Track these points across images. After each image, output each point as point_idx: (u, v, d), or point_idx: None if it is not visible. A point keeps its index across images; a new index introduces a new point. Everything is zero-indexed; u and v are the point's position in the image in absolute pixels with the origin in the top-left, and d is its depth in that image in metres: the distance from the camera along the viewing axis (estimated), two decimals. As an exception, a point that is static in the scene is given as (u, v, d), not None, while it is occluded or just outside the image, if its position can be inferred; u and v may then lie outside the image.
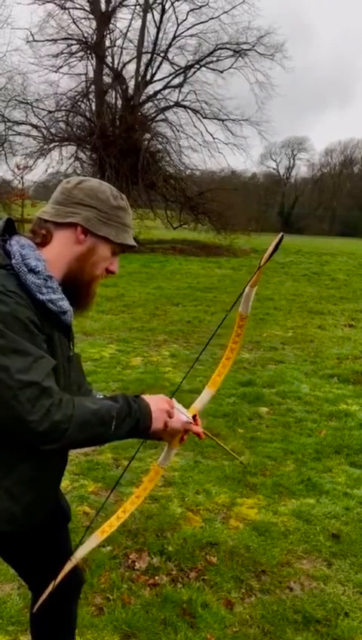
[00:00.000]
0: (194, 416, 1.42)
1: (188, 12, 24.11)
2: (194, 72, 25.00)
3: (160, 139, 24.36)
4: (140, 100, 24.04)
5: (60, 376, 1.24)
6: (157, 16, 23.74)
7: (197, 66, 24.89)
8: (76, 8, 23.35)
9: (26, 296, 1.15)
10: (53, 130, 22.90)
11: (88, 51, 23.64)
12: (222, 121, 25.03)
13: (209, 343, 1.57)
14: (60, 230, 1.26)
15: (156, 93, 24.93)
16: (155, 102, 25.10)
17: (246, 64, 25.01)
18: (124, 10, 29.57)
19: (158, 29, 23.77)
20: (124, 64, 24.24)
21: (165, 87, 24.85)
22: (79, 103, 23.68)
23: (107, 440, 1.24)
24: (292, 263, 17.34)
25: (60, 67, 23.42)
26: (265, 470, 3.48)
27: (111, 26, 23.77)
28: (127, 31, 24.13)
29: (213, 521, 2.86)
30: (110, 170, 21.30)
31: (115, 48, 23.98)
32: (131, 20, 27.24)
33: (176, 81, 24.85)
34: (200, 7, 23.80)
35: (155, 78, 24.69)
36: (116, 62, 23.95)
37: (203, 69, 25.06)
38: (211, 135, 25.20)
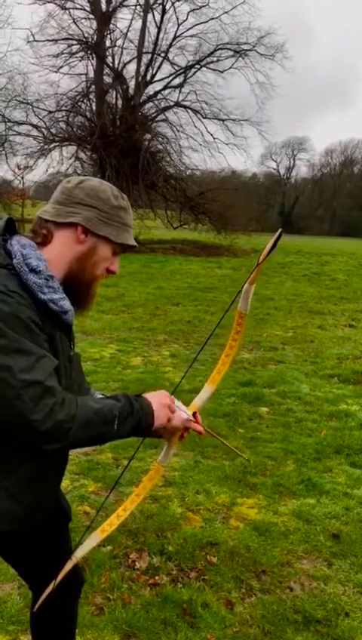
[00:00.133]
0: (194, 414, 1.42)
1: (188, 12, 24.16)
2: (195, 73, 25.05)
3: (160, 139, 24.40)
4: (141, 100, 24.06)
5: (62, 375, 1.24)
6: (157, 17, 23.80)
7: (198, 67, 24.93)
8: (77, 8, 23.39)
9: (27, 296, 1.15)
10: (53, 130, 22.93)
11: (89, 51, 23.65)
12: (223, 121, 25.07)
13: (209, 343, 1.57)
14: (61, 230, 1.26)
15: (156, 93, 24.96)
16: (156, 102, 25.15)
17: (246, 64, 25.06)
18: (125, 10, 29.57)
19: (159, 29, 23.81)
20: (125, 64, 24.30)
21: (165, 88, 24.89)
22: (79, 103, 23.72)
23: (109, 439, 1.24)
24: (292, 263, 17.34)
25: (61, 67, 23.48)
26: (265, 470, 3.48)
27: (111, 26, 23.81)
28: (128, 31, 24.18)
29: (214, 521, 2.86)
30: (110, 170, 21.31)
31: (116, 48, 24.04)
32: (132, 20, 27.29)
33: (177, 81, 24.90)
34: (201, 7, 23.84)
35: (156, 78, 24.75)
36: (116, 62, 24.01)
37: (203, 69, 25.11)
38: (211, 135, 25.24)
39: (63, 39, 23.21)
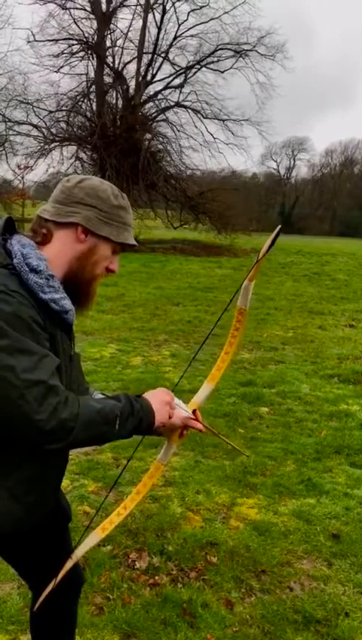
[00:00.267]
0: (194, 411, 1.42)
1: (188, 12, 24.16)
2: (195, 73, 25.05)
3: (160, 139, 24.41)
4: (141, 100, 24.05)
5: (62, 374, 1.24)
6: (158, 17, 23.79)
7: (198, 67, 24.94)
8: (77, 8, 23.41)
9: (28, 296, 1.15)
10: (53, 130, 22.94)
11: (89, 51, 23.67)
12: (223, 121, 25.08)
13: (209, 343, 1.57)
14: (61, 229, 1.25)
15: (157, 93, 24.97)
16: (156, 102, 25.16)
17: (246, 64, 25.06)
18: (125, 10, 29.57)
19: (159, 29, 23.80)
20: (125, 64, 24.31)
21: (166, 88, 24.89)
22: (80, 103, 23.73)
23: (109, 439, 1.24)
24: (292, 263, 17.34)
25: (61, 67, 23.51)
26: (265, 470, 3.48)
27: (112, 26, 23.83)
28: (128, 31, 24.21)
29: (213, 521, 2.86)
30: (111, 170, 21.31)
31: (116, 48, 24.06)
32: (132, 20, 27.38)
33: (177, 81, 24.91)
34: (201, 7, 23.83)
35: (156, 79, 24.76)
36: (117, 62, 24.02)
37: (203, 69, 25.11)
38: (212, 135, 25.25)
39: (64, 39, 23.26)
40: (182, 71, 24.73)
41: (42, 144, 22.54)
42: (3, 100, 22.28)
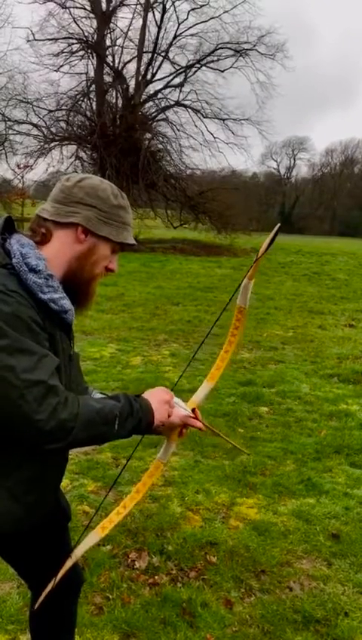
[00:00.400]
0: (193, 410, 1.42)
1: (188, 11, 24.15)
2: (195, 72, 25.05)
3: (160, 138, 24.40)
4: (141, 100, 24.04)
5: (62, 374, 1.24)
6: (157, 16, 23.79)
7: (198, 66, 24.93)
8: (77, 7, 23.39)
9: (27, 296, 1.15)
10: (53, 130, 22.93)
11: (89, 50, 23.66)
12: (223, 120, 25.07)
13: (208, 343, 1.57)
14: (60, 229, 1.25)
15: (157, 92, 24.96)
16: (156, 101, 25.16)
17: (247, 64, 25.05)
18: (125, 9, 29.67)
19: (159, 28, 23.80)
20: (125, 63, 24.30)
21: (166, 87, 24.89)
22: (80, 102, 23.72)
23: (109, 439, 1.24)
24: (292, 262, 17.34)
25: (61, 66, 23.50)
26: (265, 470, 3.48)
27: (111, 25, 23.83)
28: (128, 30, 24.20)
29: (213, 521, 2.86)
30: (111, 169, 21.30)
31: (116, 47, 24.05)
32: (132, 19, 27.28)
33: (177, 80, 24.90)
34: (201, 6, 23.82)
35: (156, 78, 24.75)
36: (117, 61, 24.01)
37: (203, 68, 25.10)
38: (212, 134, 25.25)
39: (63, 38, 23.25)
40: (182, 70, 24.74)
41: (42, 143, 22.55)
42: (3, 99, 22.30)
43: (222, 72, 24.94)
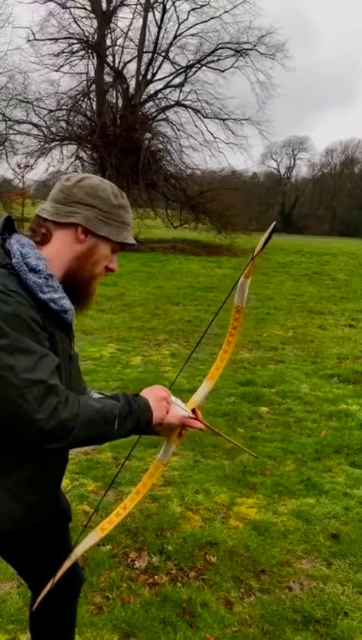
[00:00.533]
0: (193, 410, 1.42)
1: (189, 11, 24.13)
2: (195, 72, 25.03)
3: (161, 138, 24.39)
4: (141, 100, 24.04)
5: (62, 374, 1.24)
6: (158, 16, 23.77)
7: (198, 66, 24.91)
8: (77, 7, 23.38)
9: (27, 296, 1.15)
10: (53, 129, 22.92)
11: (89, 50, 23.65)
12: (223, 120, 25.06)
13: (208, 343, 1.57)
14: (60, 229, 1.25)
15: (157, 92, 24.95)
16: (156, 101, 25.14)
17: (247, 64, 25.02)
18: (125, 9, 29.66)
19: (159, 28, 23.78)
20: (125, 63, 24.28)
21: (166, 87, 24.87)
22: (80, 102, 23.70)
23: (108, 439, 1.24)
24: (292, 262, 17.34)
25: (61, 66, 23.49)
26: (264, 470, 3.48)
27: (112, 25, 23.81)
28: (128, 30, 24.17)
29: (213, 521, 2.86)
30: (111, 169, 21.30)
31: (116, 47, 24.03)
32: (132, 19, 27.32)
33: (177, 80, 24.88)
34: (202, 6, 23.81)
35: (156, 78, 24.74)
36: (117, 61, 23.99)
37: (204, 68, 25.08)
38: (212, 134, 25.23)
39: (64, 38, 23.24)
40: (182, 70, 24.72)
41: (42, 143, 22.54)
42: (3, 99, 22.30)
43: (223, 72, 24.96)
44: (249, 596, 2.33)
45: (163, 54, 24.32)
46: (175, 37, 24.24)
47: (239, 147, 25.88)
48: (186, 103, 24.71)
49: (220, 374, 1.43)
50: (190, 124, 24.90)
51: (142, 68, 23.96)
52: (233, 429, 4.14)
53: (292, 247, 22.48)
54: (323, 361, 6.30)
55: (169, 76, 24.81)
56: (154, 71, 24.48)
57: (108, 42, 23.84)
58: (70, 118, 23.39)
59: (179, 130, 24.34)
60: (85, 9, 23.58)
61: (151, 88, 24.89)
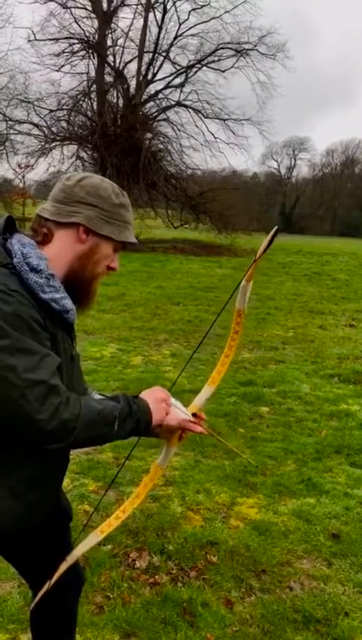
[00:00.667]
0: (194, 414, 1.42)
1: (189, 11, 24.12)
2: (196, 72, 25.02)
3: (161, 138, 24.39)
4: (142, 100, 24.04)
5: (64, 374, 1.24)
6: (158, 16, 23.77)
7: (199, 66, 24.90)
8: (78, 7, 23.37)
9: (28, 296, 1.15)
10: (54, 129, 22.93)
11: (90, 50, 23.66)
12: (224, 120, 25.05)
13: (209, 343, 1.57)
14: (62, 229, 1.25)
15: (157, 92, 24.94)
16: (157, 101, 25.13)
17: (247, 64, 25.01)
18: (126, 9, 29.60)
19: (160, 28, 23.78)
20: (126, 63, 24.29)
21: (166, 87, 24.87)
22: (81, 102, 23.70)
23: (108, 440, 1.24)
24: (293, 262, 17.33)
25: (62, 66, 23.49)
26: (265, 470, 3.48)
27: (112, 25, 23.80)
28: (129, 30, 24.17)
29: (214, 521, 2.86)
30: (111, 169, 21.30)
31: (117, 47, 24.02)
32: (133, 19, 27.34)
33: (178, 80, 24.87)
34: (202, 6, 23.80)
35: (157, 78, 24.73)
36: (118, 61, 23.99)
37: (204, 68, 25.07)
38: (212, 135, 25.22)
39: (64, 38, 23.24)
40: (182, 70, 24.72)
41: (43, 143, 22.55)
42: (4, 99, 22.31)
43: (223, 72, 24.94)
44: (249, 596, 2.33)
45: (163, 54, 24.34)
46: (175, 37, 24.26)
47: (240, 147, 25.90)
48: (187, 103, 24.73)
49: (221, 378, 1.43)
50: (191, 125, 24.93)
51: (143, 68, 23.98)
52: (234, 429, 4.14)
53: (293, 247, 22.48)
54: (323, 361, 6.30)
55: (169, 76, 24.84)
56: (155, 71, 24.52)
57: (109, 42, 23.87)
58: (71, 118, 23.40)
59: (179, 130, 24.36)
60: (86, 9, 23.60)
61: (152, 88, 24.93)
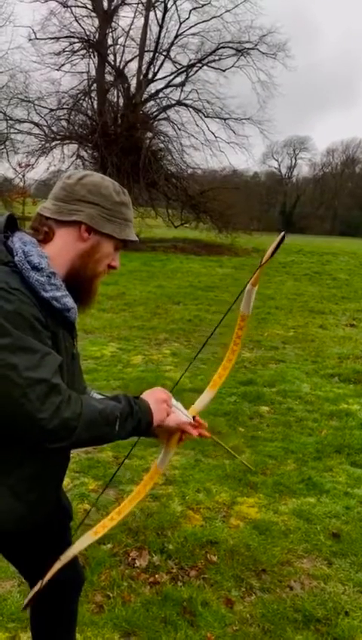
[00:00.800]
0: (193, 417, 1.42)
1: (190, 10, 24.09)
2: (196, 71, 24.99)
3: (161, 137, 24.37)
4: (142, 99, 24.01)
5: (64, 373, 1.24)
6: (159, 15, 23.73)
7: (199, 65, 24.87)
8: (78, 6, 23.34)
9: (29, 294, 1.14)
10: (54, 129, 22.90)
11: (90, 49, 23.63)
12: (224, 120, 25.02)
13: (209, 343, 1.56)
14: (63, 227, 1.25)
15: (158, 91, 24.92)
16: (157, 100, 25.10)
17: (248, 63, 24.98)
18: (126, 8, 29.56)
19: (160, 27, 23.75)
20: (126, 62, 24.25)
21: (167, 86, 24.84)
22: (81, 101, 23.67)
23: (109, 440, 1.24)
24: (293, 262, 17.32)
25: (62, 65, 23.46)
26: (265, 469, 3.48)
27: (113, 24, 23.77)
28: (130, 29, 24.12)
29: (214, 520, 2.86)
30: (112, 168, 21.27)
31: (117, 46, 23.99)
32: (133, 18, 27.35)
33: (178, 79, 24.84)
34: (203, 5, 23.77)
35: (157, 77, 24.69)
36: (118, 60, 23.96)
37: (205, 67, 25.04)
38: (213, 134, 25.19)
39: (65, 37, 23.21)
40: (183, 69, 24.69)
41: (43, 142, 22.52)
42: (4, 98, 22.28)
43: (224, 71, 24.92)
44: (250, 595, 2.33)
45: (164, 53, 24.31)
46: (176, 36, 24.23)
47: (240, 147, 25.93)
48: (187, 102, 24.70)
49: (222, 382, 1.43)
50: (191, 124, 24.90)
51: (144, 67, 23.94)
52: (234, 429, 4.14)
53: (293, 246, 22.46)
54: (323, 360, 6.30)
55: (170, 75, 24.82)
56: (156, 70, 24.49)
57: (110, 41, 23.84)
58: (71, 117, 23.38)
59: (180, 129, 24.34)
60: (86, 8, 23.56)
61: (153, 87, 24.90)
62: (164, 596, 2.27)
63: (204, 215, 23.45)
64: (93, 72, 23.96)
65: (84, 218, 1.23)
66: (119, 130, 22.80)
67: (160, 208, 25.01)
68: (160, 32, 23.78)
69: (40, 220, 1.26)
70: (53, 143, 22.76)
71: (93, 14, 23.59)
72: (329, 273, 15.22)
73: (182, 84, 24.70)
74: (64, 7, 22.91)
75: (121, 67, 23.91)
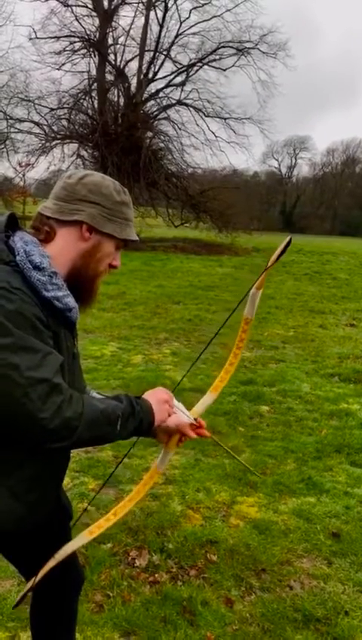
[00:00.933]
0: (195, 419, 1.42)
1: (191, 10, 24.08)
2: (197, 71, 24.98)
3: (162, 137, 24.36)
4: (142, 98, 24.01)
5: (66, 373, 1.24)
6: (159, 14, 23.72)
7: (200, 65, 24.86)
8: (79, 6, 23.33)
9: (31, 294, 1.14)
10: (55, 128, 22.89)
11: (91, 49, 23.61)
12: (225, 119, 25.01)
13: (212, 342, 1.56)
14: (64, 227, 1.24)
15: (158, 91, 24.91)
16: (157, 100, 25.09)
17: (248, 62, 24.97)
18: (127, 7, 29.40)
19: (161, 27, 23.74)
20: (127, 62, 24.24)
21: (167, 86, 24.83)
22: (81, 101, 23.66)
23: (111, 440, 1.24)
24: (293, 262, 17.32)
25: (63, 64, 23.44)
26: (265, 469, 3.48)
27: (113, 23, 23.75)
28: (130, 29, 24.10)
29: (214, 519, 2.86)
30: (112, 167, 21.27)
31: (118, 46, 23.98)
32: (134, 17, 27.19)
33: (179, 79, 24.84)
34: (203, 5, 23.76)
35: (158, 76, 24.68)
36: (118, 60, 23.95)
37: (205, 67, 25.03)
38: (213, 133, 25.18)
39: (65, 36, 23.19)
40: (183, 69, 24.68)
41: (43, 142, 22.51)
42: (4, 98, 22.27)
43: (224, 70, 24.90)
44: (249, 595, 2.33)
45: (164, 53, 24.29)
46: (176, 35, 24.22)
47: (240, 146, 25.89)
48: (188, 101, 24.69)
49: (224, 386, 1.43)
50: (191, 123, 24.89)
51: (144, 66, 23.93)
52: (234, 428, 4.14)
53: (293, 246, 22.33)
54: (323, 360, 6.30)
55: (170, 75, 24.81)
56: (156, 69, 24.48)
57: (110, 41, 23.83)
58: (71, 116, 23.37)
59: (180, 129, 24.33)
60: (87, 7, 23.54)
61: (153, 87, 24.89)
62: (163, 596, 2.27)
63: (204, 215, 23.44)
64: (93, 72, 23.98)
65: (85, 218, 1.23)
66: (119, 130, 22.80)
67: (160, 208, 25.00)
68: (160, 31, 23.80)
69: (41, 219, 1.26)
70: (54, 143, 22.76)
71: (94, 14, 23.58)
72: (329, 273, 15.23)
73: (183, 84, 24.70)
74: (64, 6, 22.92)
75: (122, 66, 23.93)
